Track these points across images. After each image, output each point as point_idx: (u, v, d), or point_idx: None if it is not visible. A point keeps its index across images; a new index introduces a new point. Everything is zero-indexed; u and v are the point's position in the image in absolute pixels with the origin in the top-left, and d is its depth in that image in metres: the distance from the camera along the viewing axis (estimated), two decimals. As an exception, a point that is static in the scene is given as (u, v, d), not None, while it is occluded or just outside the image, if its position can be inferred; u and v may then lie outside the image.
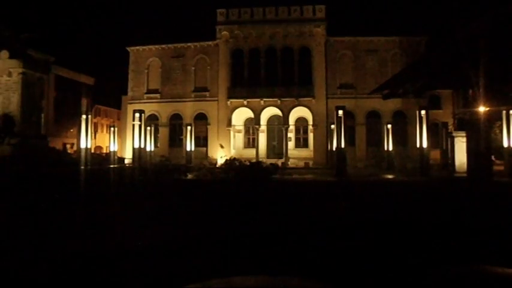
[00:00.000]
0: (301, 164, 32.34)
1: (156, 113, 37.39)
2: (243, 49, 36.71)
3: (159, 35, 37.47)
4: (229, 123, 36.50)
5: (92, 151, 26.88)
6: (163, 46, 38.05)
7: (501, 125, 19.30)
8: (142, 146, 20.69)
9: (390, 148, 26.92)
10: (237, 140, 37.85)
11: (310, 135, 36.91)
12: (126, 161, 28.28)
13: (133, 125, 20.84)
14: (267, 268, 4.07)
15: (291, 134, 37.34)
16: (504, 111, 18.67)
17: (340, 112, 19.42)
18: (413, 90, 21.19)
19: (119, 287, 3.80)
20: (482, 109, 15.17)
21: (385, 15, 34.62)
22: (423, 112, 19.02)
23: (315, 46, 36.04)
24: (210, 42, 37.23)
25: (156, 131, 34.10)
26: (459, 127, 22.86)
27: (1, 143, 17.88)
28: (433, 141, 21.80)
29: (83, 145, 20.12)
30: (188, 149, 28.73)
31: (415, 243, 5.22)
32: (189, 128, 29.61)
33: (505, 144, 18.48)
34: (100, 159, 27.71)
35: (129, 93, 38.99)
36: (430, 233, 5.84)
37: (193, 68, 37.69)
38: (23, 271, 4.19)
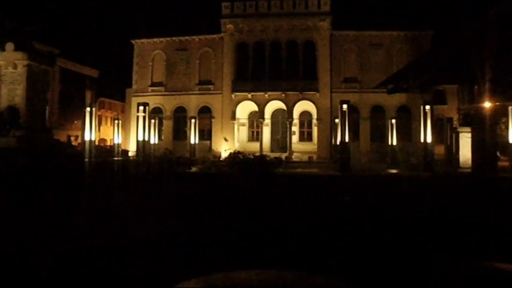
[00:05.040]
0: (305, 158, 32.30)
1: (160, 106, 37.44)
2: (248, 42, 36.61)
3: (163, 28, 37.42)
4: (233, 117, 36.49)
5: (96, 143, 26.94)
6: (167, 39, 38.01)
7: (507, 121, 19.17)
8: (146, 138, 20.72)
9: (394, 143, 26.81)
10: (241, 133, 37.86)
11: (314, 129, 36.85)
12: (130, 154, 28.37)
13: (138, 118, 20.86)
14: (267, 264, 4.09)
15: (295, 128, 37.29)
16: (510, 107, 18.52)
17: (345, 106, 19.34)
18: (418, 85, 21.06)
19: (120, 279, 3.83)
20: (487, 105, 15.08)
21: (391, 9, 34.33)
22: (428, 107, 18.92)
23: (319, 40, 35.87)
24: (214, 36, 37.15)
25: (160, 124, 34.15)
26: (464, 123, 22.71)
27: (6, 135, 17.95)
28: (437, 136, 21.71)
29: (87, 137, 20.18)
30: (192, 142, 28.73)
31: (418, 239, 5.23)
32: (193, 121, 29.59)
33: (511, 140, 18.37)
34: (104, 151, 27.82)
35: (134, 86, 39.06)
36: (432, 229, 5.84)
37: (197, 61, 37.65)
38: (26, 262, 4.23)
